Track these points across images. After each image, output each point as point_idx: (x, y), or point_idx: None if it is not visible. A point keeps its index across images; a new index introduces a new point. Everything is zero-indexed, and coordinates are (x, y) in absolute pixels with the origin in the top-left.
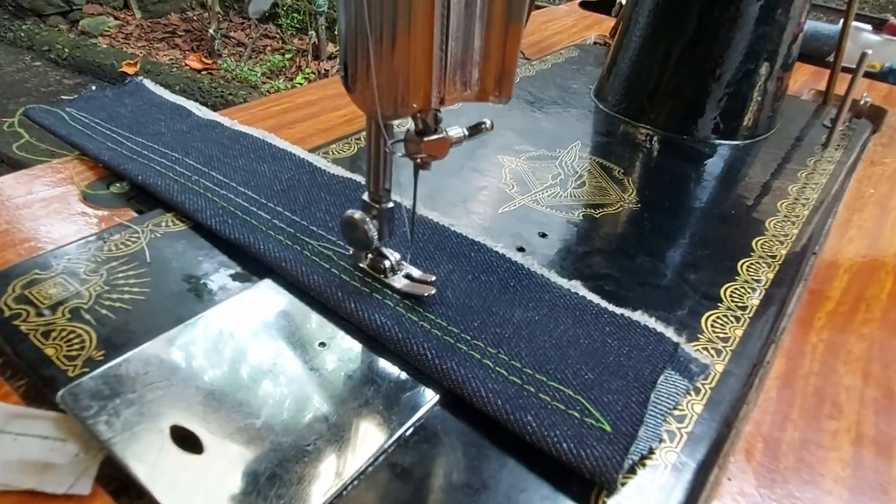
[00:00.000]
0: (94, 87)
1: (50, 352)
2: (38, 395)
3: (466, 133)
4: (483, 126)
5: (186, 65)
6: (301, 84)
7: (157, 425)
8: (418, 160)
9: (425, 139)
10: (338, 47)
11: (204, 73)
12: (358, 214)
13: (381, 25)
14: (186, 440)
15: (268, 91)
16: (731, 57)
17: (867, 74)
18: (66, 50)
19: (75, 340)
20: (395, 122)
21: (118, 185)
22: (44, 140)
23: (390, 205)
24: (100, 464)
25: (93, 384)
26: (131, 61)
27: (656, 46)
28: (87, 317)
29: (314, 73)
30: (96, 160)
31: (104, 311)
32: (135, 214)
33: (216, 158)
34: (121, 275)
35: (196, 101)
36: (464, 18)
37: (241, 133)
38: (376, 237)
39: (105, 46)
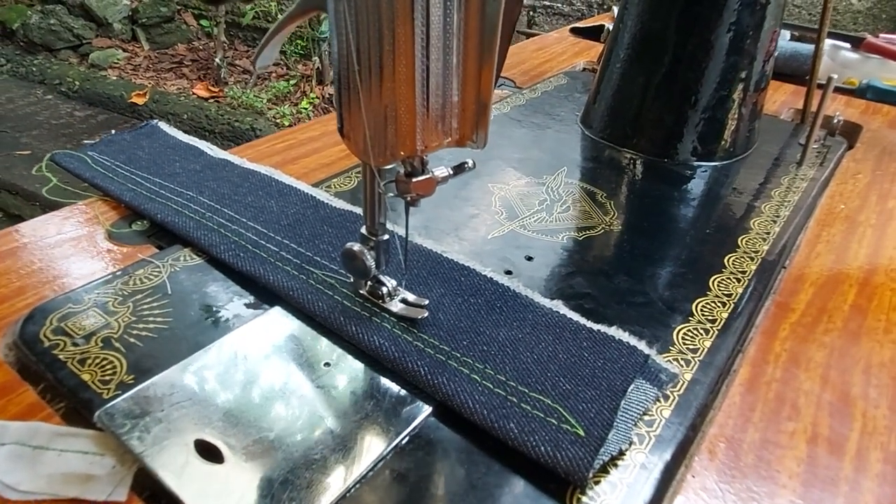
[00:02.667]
0: (113, 132)
1: (86, 377)
2: (76, 416)
3: (451, 172)
4: (466, 166)
5: (194, 93)
6: (306, 108)
7: (182, 439)
8: (408, 199)
9: (414, 180)
10: None
11: (211, 101)
12: (357, 246)
13: (370, 86)
14: (209, 452)
15: (273, 117)
16: (706, 85)
17: (846, 91)
18: (77, 83)
19: (108, 367)
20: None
21: (139, 223)
22: (70, 182)
23: (386, 237)
24: (134, 474)
25: (125, 405)
26: (140, 92)
27: (636, 76)
28: (118, 345)
29: (318, 98)
30: (118, 201)
31: (132, 340)
32: (155, 250)
33: (227, 196)
34: (146, 306)
35: (204, 128)
36: (442, 75)
37: (249, 171)
38: (373, 266)
39: (114, 78)
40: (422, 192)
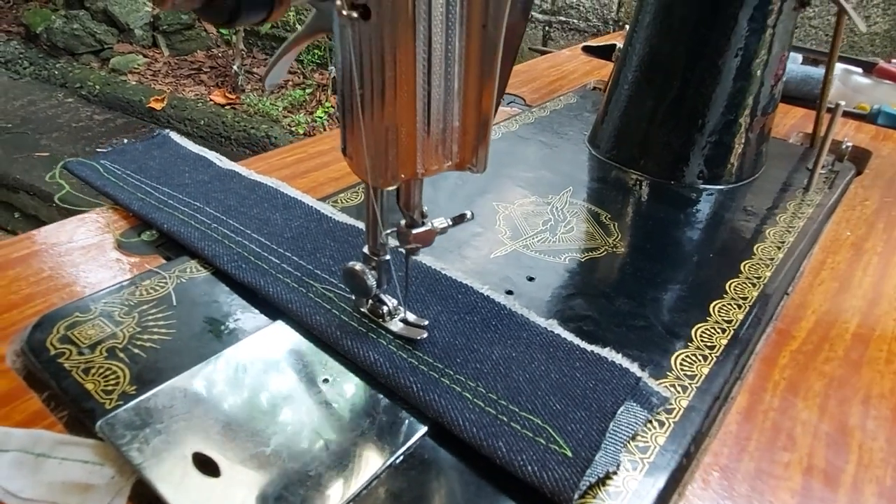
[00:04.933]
0: (126, 140)
1: (90, 386)
2: (79, 425)
3: (450, 223)
4: (465, 217)
5: (211, 100)
6: (321, 117)
7: (181, 452)
8: (408, 249)
9: (414, 231)
10: None
11: (228, 107)
12: (358, 266)
13: (372, 109)
14: (206, 465)
15: (289, 125)
16: (713, 108)
17: (856, 116)
18: (97, 87)
19: (111, 376)
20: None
21: (148, 233)
22: (83, 190)
23: (387, 257)
24: (132, 485)
25: (126, 415)
26: (159, 97)
27: (644, 98)
28: (122, 355)
29: (333, 107)
30: (127, 210)
31: (136, 350)
32: (163, 261)
33: (234, 208)
34: (150, 317)
35: (220, 134)
36: (443, 100)
37: (256, 182)
38: (375, 286)
39: (134, 83)
40: (421, 244)
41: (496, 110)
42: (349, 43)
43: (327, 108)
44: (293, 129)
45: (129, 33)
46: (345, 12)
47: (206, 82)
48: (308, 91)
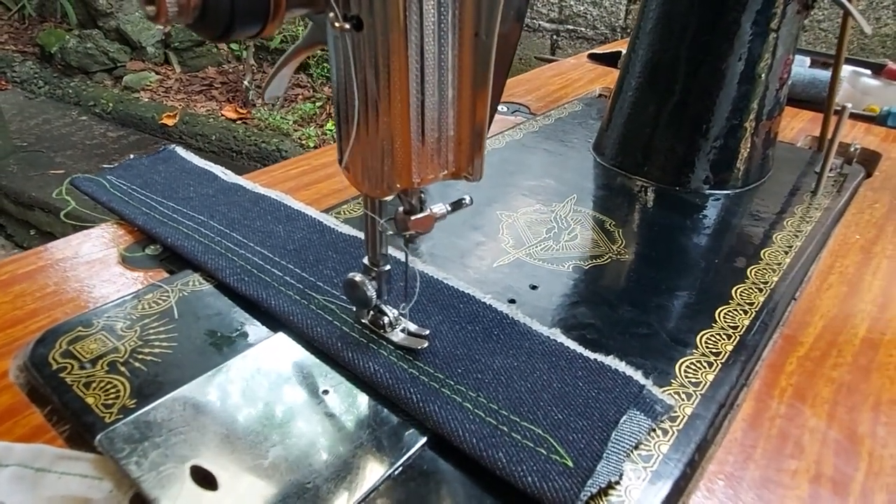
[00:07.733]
0: (132, 156)
1: (90, 401)
2: (80, 439)
3: (449, 209)
4: (463, 202)
5: (222, 115)
6: (331, 130)
7: (179, 465)
8: (406, 236)
9: (412, 218)
10: None
11: (239, 122)
12: (358, 277)
13: (367, 120)
14: (204, 478)
15: (299, 138)
16: (717, 114)
17: (866, 118)
18: (111, 104)
19: (112, 390)
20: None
21: (152, 247)
22: (93, 207)
23: (387, 267)
24: (130, 499)
25: (126, 429)
26: (171, 113)
27: (647, 105)
28: (123, 369)
29: None
30: (132, 224)
31: (137, 364)
32: (166, 275)
33: (237, 221)
34: (152, 331)
35: (231, 149)
36: (437, 109)
37: (260, 195)
38: (375, 296)
39: (146, 100)
40: (420, 230)
41: (491, 118)
42: (343, 55)
43: None
44: (303, 142)
45: (142, 51)
46: (337, 24)
47: (217, 98)
48: (318, 104)
